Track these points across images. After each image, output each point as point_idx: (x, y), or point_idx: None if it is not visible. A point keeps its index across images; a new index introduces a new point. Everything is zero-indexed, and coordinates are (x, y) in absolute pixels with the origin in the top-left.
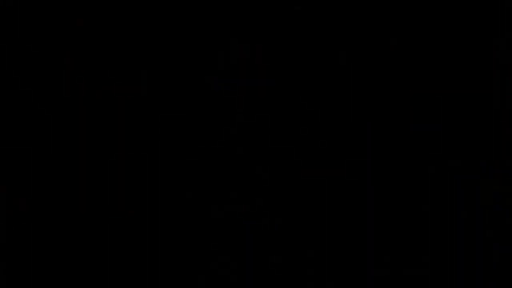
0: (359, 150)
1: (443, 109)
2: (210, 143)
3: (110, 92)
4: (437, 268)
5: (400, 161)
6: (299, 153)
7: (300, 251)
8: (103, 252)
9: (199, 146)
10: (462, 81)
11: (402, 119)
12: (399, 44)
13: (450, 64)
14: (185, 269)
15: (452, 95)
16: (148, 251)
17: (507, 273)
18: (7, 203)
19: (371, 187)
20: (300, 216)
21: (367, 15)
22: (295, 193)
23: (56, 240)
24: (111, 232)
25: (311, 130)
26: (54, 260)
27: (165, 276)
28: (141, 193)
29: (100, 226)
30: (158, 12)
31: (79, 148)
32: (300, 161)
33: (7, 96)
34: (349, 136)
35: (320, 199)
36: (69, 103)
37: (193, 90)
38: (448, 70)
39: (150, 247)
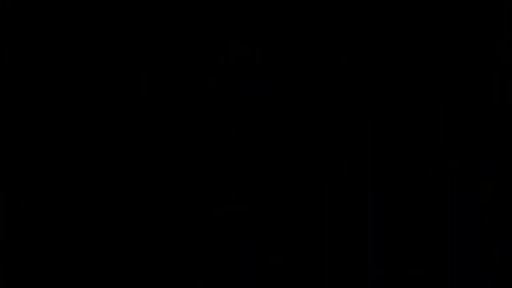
0: (359, 150)
1: (443, 109)
2: (210, 143)
3: (110, 92)
4: (437, 268)
5: (400, 161)
6: (299, 153)
7: (300, 251)
8: (103, 252)
9: (199, 146)
10: (462, 81)
11: (402, 119)
12: (399, 44)
13: (450, 64)
14: (185, 269)
15: (452, 95)
16: (148, 251)
17: (507, 273)
18: (7, 203)
19: (371, 187)
20: (300, 216)
21: (367, 15)
22: (295, 193)
23: (56, 240)
24: (111, 232)
25: (311, 130)
26: (54, 260)
27: (165, 276)
28: (141, 193)
29: (100, 226)
30: (158, 12)
31: (79, 148)
32: (300, 161)
33: (7, 96)
34: (349, 136)
35: (320, 199)
36: (69, 103)
37: (193, 90)
38: (448, 70)
39: (150, 247)
